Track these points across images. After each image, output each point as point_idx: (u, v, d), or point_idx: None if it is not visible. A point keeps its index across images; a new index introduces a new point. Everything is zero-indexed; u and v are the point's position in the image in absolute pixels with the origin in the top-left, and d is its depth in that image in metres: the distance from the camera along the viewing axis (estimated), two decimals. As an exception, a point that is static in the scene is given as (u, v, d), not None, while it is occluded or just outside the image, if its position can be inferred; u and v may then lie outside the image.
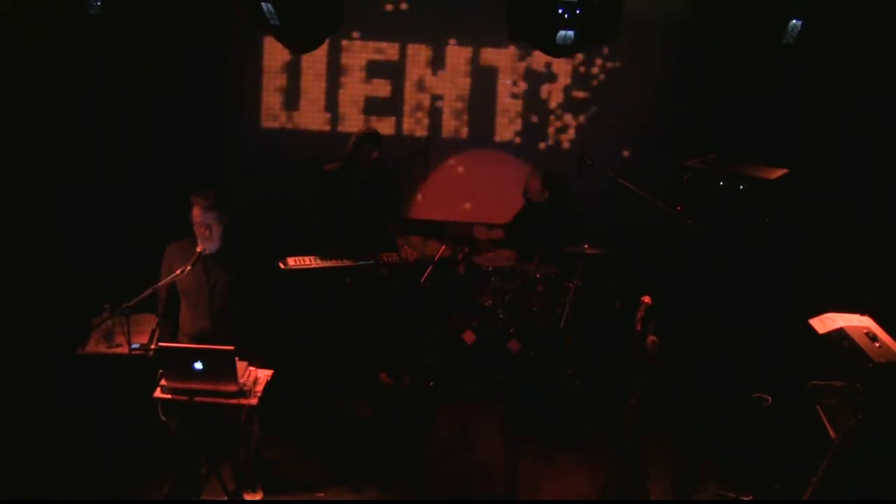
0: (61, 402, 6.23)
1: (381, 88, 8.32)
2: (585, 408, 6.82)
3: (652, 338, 6.35)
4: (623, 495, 5.97)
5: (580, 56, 8.15)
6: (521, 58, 8.24)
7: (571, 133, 8.33)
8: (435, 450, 6.22)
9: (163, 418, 5.21)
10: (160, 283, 5.40)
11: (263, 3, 5.82)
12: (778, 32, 6.18)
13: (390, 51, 8.28)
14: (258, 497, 5.65)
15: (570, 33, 5.90)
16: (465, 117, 8.36)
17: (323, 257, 6.69)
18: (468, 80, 8.29)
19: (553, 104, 8.32)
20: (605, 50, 8.13)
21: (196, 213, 5.44)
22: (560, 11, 5.86)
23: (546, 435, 6.50)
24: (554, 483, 6.05)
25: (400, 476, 6.03)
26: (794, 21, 6.12)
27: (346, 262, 6.69)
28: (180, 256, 5.47)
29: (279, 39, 6.45)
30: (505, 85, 8.30)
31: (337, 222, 6.79)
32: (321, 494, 5.79)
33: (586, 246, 7.03)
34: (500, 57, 8.25)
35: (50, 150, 7.22)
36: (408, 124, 8.35)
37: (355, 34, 8.17)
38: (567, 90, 8.29)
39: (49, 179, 7.20)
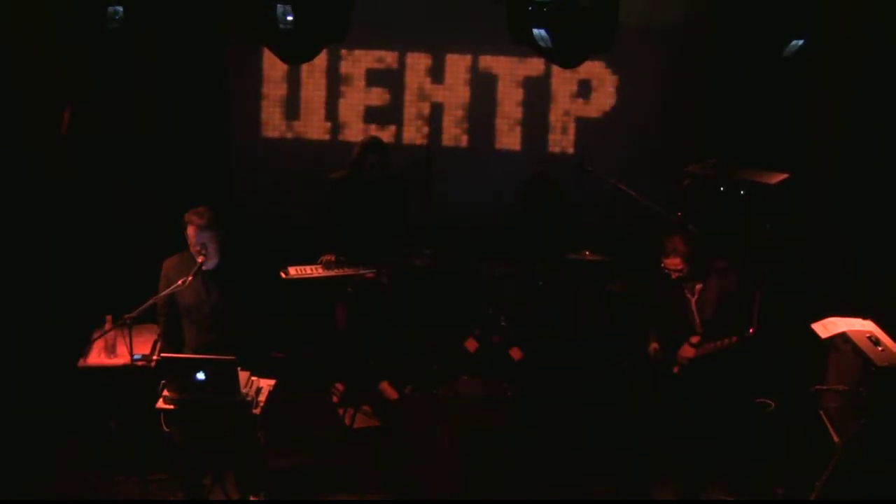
0: (63, 413, 6.25)
1: (381, 97, 8.34)
2: (589, 412, 6.80)
3: (654, 345, 6.36)
4: (626, 496, 5.99)
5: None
6: (521, 64, 8.24)
7: (572, 139, 8.33)
8: (438, 456, 6.23)
9: (166, 429, 5.22)
10: (161, 294, 5.42)
11: (279, 5, 5.78)
12: (778, 43, 6.19)
13: (389, 59, 8.29)
14: (261, 507, 5.65)
15: (543, 32, 5.87)
16: (466, 125, 8.36)
17: (324, 266, 6.70)
18: (468, 88, 8.30)
19: (553, 110, 8.32)
20: (605, 56, 8.12)
21: (191, 232, 5.44)
22: (530, 9, 5.83)
23: (550, 440, 6.49)
24: (557, 485, 6.05)
25: (404, 484, 6.03)
26: (795, 41, 6.13)
27: (348, 271, 6.70)
28: (178, 270, 5.46)
29: (274, 51, 6.43)
30: (505, 92, 8.30)
31: (343, 230, 6.81)
32: None
33: (587, 253, 7.03)
34: (500, 64, 8.26)
35: (50, 158, 7.24)
36: (408, 133, 8.36)
37: (354, 43, 8.16)
38: (567, 96, 8.29)
39: (49, 189, 7.22)
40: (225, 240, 5.54)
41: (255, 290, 5.71)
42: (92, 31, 6.35)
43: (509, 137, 8.36)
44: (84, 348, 5.94)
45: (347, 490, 5.93)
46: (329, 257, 6.70)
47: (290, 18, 5.80)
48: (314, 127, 8.37)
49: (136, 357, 5.46)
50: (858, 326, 5.38)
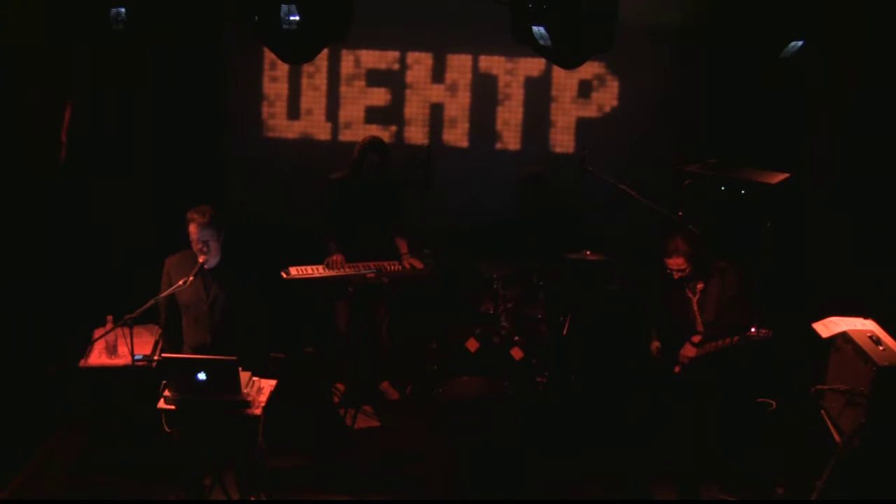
0: (64, 414, 6.24)
1: (382, 97, 8.34)
2: (588, 414, 6.81)
3: (656, 343, 6.36)
4: (626, 496, 5.99)
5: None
6: (522, 64, 8.24)
7: (572, 139, 8.33)
8: (438, 456, 6.23)
9: (166, 429, 5.22)
10: (162, 295, 5.42)
11: (284, 5, 5.77)
12: (778, 43, 6.19)
13: (390, 59, 8.29)
14: (262, 507, 5.65)
15: (542, 29, 5.86)
16: (466, 125, 8.37)
17: (325, 266, 6.71)
18: (468, 88, 8.30)
19: (553, 110, 8.32)
20: (605, 56, 8.13)
21: (192, 230, 5.45)
22: (529, 6, 5.82)
23: (549, 441, 6.50)
24: (556, 486, 6.05)
25: (404, 484, 6.04)
26: (794, 42, 6.13)
27: (349, 272, 6.70)
28: (180, 268, 5.48)
29: (274, 51, 6.43)
30: (505, 92, 8.31)
31: (342, 231, 6.81)
32: None
33: (588, 253, 7.03)
34: (500, 64, 8.26)
35: (50, 158, 7.24)
36: (409, 133, 8.37)
37: (354, 43, 8.16)
38: (567, 96, 8.29)
39: (48, 189, 7.22)
40: (226, 238, 5.55)
41: (255, 289, 5.70)
42: (92, 31, 6.35)
43: (509, 137, 8.37)
44: (85, 348, 5.94)
45: (347, 490, 5.93)
46: (337, 258, 6.70)
47: (293, 18, 5.79)
48: (315, 127, 8.38)
49: (137, 357, 5.46)
50: (859, 326, 5.38)
